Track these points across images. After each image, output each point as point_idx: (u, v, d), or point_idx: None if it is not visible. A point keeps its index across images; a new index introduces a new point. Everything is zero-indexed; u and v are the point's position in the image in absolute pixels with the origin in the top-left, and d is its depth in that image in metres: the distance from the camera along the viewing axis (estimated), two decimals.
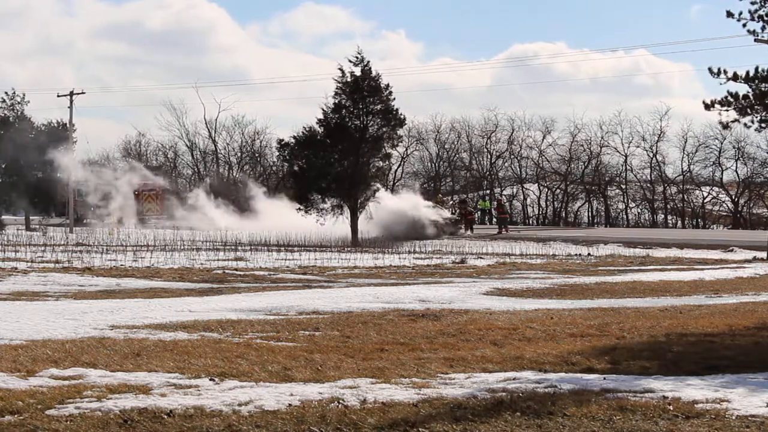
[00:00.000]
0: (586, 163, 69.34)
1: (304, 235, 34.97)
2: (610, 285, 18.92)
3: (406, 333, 11.31)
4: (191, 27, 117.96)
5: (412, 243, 35.43)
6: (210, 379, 8.07)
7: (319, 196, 38.23)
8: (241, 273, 21.28)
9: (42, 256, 25.18)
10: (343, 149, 37.87)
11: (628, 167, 68.53)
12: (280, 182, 66.91)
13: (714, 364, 9.00)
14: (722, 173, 65.60)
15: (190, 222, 49.24)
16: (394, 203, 42.12)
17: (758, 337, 11.02)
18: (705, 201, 66.03)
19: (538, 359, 9.32)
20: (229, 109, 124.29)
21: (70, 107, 53.08)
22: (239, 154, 77.32)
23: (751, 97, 17.47)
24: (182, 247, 31.02)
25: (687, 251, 32.31)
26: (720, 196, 65.76)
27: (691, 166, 66.68)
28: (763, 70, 17.23)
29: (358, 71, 37.81)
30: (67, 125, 54.43)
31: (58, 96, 53.30)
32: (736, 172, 64.93)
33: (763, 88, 17.31)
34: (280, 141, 40.36)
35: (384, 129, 38.20)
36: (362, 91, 37.67)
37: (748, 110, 17.59)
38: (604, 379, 8.17)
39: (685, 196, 66.87)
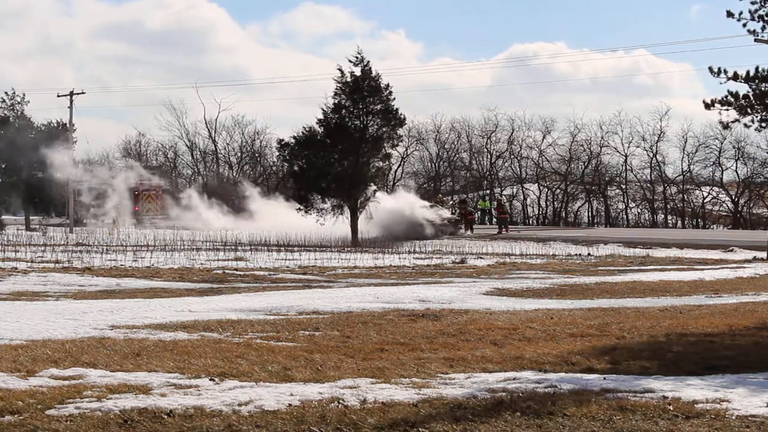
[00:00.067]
0: (586, 163, 69.38)
1: (304, 235, 34.97)
2: (610, 285, 18.92)
3: (406, 333, 11.31)
4: (191, 27, 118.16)
5: (412, 243, 35.43)
6: (210, 379, 8.07)
7: (319, 196, 38.22)
8: (241, 273, 21.28)
9: (42, 256, 25.19)
10: (343, 149, 37.87)
11: (628, 167, 68.65)
12: (280, 182, 66.92)
13: (714, 364, 9.00)
14: (722, 173, 65.73)
15: (185, 222, 49.23)
16: (391, 203, 42.10)
17: (758, 337, 11.02)
18: (705, 201, 66.03)
19: (538, 359, 9.32)
20: (229, 109, 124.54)
21: (70, 107, 53.10)
22: (239, 154, 77.38)
23: (751, 97, 17.47)
24: (182, 247, 31.03)
25: (687, 251, 32.31)
26: (720, 196, 65.77)
27: (691, 166, 66.80)
28: (763, 70, 17.24)
29: (358, 71, 37.82)
30: (67, 125, 54.43)
31: (58, 96, 53.33)
32: (736, 172, 65.06)
33: (763, 88, 17.32)
34: (280, 141, 40.38)
35: (384, 129, 38.20)
36: (362, 91, 37.66)
37: (748, 110, 17.59)
38: (604, 379, 8.17)
39: (685, 196, 66.87)
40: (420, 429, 6.40)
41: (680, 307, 14.57)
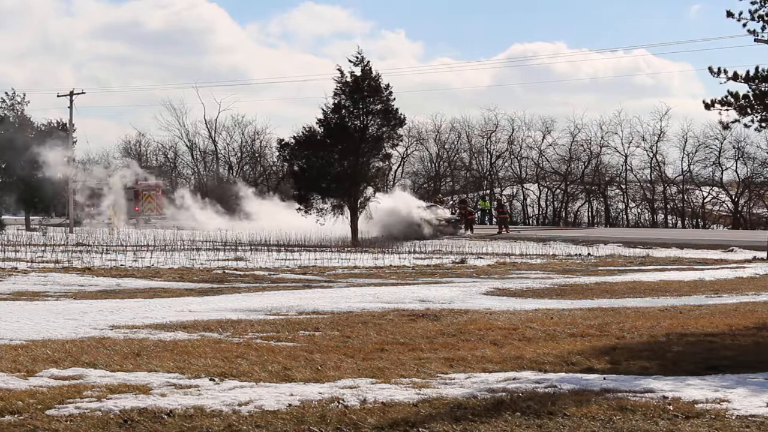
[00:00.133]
0: (586, 163, 69.37)
1: (303, 235, 34.97)
2: (610, 285, 18.92)
3: (406, 333, 11.30)
4: (191, 27, 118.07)
5: (411, 243, 35.43)
6: (210, 379, 8.07)
7: (319, 196, 38.21)
8: (241, 273, 21.28)
9: (42, 256, 25.18)
10: (343, 149, 37.86)
11: (628, 167, 68.64)
12: (280, 182, 66.91)
13: (714, 364, 9.00)
14: (722, 173, 65.71)
15: (180, 222, 49.20)
16: (388, 203, 42.03)
17: (758, 337, 11.02)
18: (705, 201, 66.03)
19: (538, 359, 9.31)
20: (229, 109, 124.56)
21: (70, 107, 53.06)
22: (239, 154, 77.37)
23: (751, 97, 17.46)
24: (182, 247, 31.02)
25: (687, 251, 32.31)
26: (720, 196, 65.77)
27: (691, 166, 66.78)
28: (763, 70, 17.24)
29: (358, 71, 37.80)
30: (67, 125, 54.40)
31: (58, 96, 53.25)
32: (736, 172, 65.05)
33: (763, 88, 17.31)
34: (280, 141, 40.37)
35: (384, 129, 38.18)
36: (362, 91, 37.65)
37: (748, 110, 17.58)
38: (604, 379, 8.17)
39: (685, 196, 66.87)
40: (420, 429, 6.40)
41: (680, 307, 14.57)
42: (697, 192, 66.69)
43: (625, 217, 68.59)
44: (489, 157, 73.09)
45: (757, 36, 17.18)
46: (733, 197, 64.59)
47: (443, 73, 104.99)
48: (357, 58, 37.86)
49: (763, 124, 17.94)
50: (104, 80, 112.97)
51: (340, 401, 7.14)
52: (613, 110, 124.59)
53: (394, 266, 24.34)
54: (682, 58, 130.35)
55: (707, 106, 18.08)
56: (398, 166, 71.26)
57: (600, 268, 24.62)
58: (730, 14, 16.77)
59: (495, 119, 72.09)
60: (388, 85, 37.97)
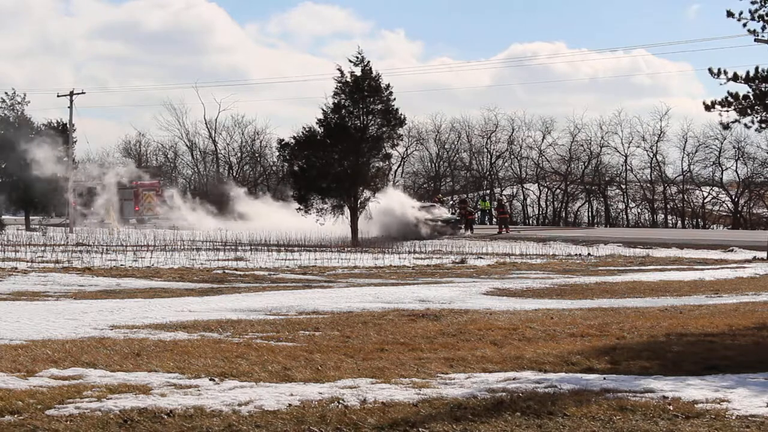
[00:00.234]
0: (586, 163, 69.39)
1: (303, 235, 34.97)
2: (610, 285, 18.92)
3: (406, 333, 11.31)
4: (190, 27, 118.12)
5: (411, 243, 35.43)
6: (210, 379, 8.07)
7: (319, 196, 38.20)
8: (241, 273, 21.28)
9: (42, 256, 25.18)
10: (343, 149, 37.85)
11: (628, 167, 68.66)
12: (280, 182, 66.91)
13: (714, 364, 9.00)
14: (722, 173, 65.73)
15: (171, 222, 49.16)
16: (383, 202, 41.96)
17: (758, 337, 11.02)
18: (705, 201, 66.03)
19: (538, 359, 9.31)
20: (228, 109, 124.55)
21: (70, 107, 53.02)
22: (239, 155, 77.38)
23: (752, 98, 17.46)
24: (182, 247, 31.02)
25: (687, 251, 32.31)
26: (720, 196, 65.77)
27: (691, 166, 66.79)
28: (763, 70, 17.24)
29: (358, 71, 37.78)
30: (67, 125, 54.38)
31: (58, 96, 53.21)
32: (736, 172, 65.07)
33: (763, 88, 17.31)
34: (280, 141, 40.35)
35: (384, 129, 38.16)
36: (362, 91, 37.63)
37: (749, 110, 17.58)
38: (604, 379, 8.17)
39: (685, 196, 66.88)
40: (420, 429, 6.40)
41: (680, 307, 14.57)
42: (697, 192, 66.70)
43: (625, 217, 68.60)
44: (489, 157, 73.14)
45: (757, 36, 17.21)
46: (733, 197, 64.60)
47: (443, 73, 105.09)
48: (357, 58, 37.87)
49: (763, 125, 17.94)
50: (104, 80, 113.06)
51: (340, 401, 7.14)
52: (613, 110, 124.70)
53: (394, 266, 24.34)
54: (681, 58, 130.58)
55: (707, 108, 18.09)
56: (398, 166, 71.29)
57: (600, 268, 24.62)
58: (730, 14, 16.78)
59: (495, 119, 72.22)
60: (388, 85, 37.99)
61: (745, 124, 17.90)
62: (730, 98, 17.55)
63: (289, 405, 7.01)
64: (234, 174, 74.03)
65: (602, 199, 69.25)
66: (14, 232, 39.71)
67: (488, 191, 70.29)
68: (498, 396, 7.38)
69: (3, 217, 50.96)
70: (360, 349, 9.93)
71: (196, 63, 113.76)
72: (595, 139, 68.87)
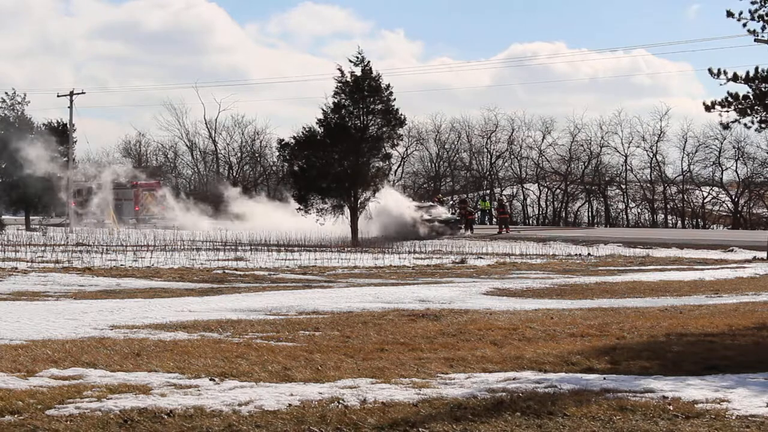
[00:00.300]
0: (586, 163, 69.40)
1: (303, 235, 34.97)
2: (610, 285, 18.91)
3: (406, 333, 11.31)
4: (190, 27, 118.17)
5: (412, 243, 35.43)
6: (210, 379, 8.07)
7: (319, 196, 38.20)
8: (241, 273, 21.28)
9: (42, 256, 25.18)
10: (343, 149, 37.83)
11: (628, 167, 68.68)
12: (280, 182, 66.90)
13: (714, 364, 9.00)
14: (722, 173, 65.75)
15: (165, 222, 49.12)
16: (383, 203, 41.90)
17: (758, 337, 11.02)
18: (705, 201, 66.04)
19: (538, 359, 9.31)
20: (228, 109, 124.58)
21: (70, 107, 53.10)
22: (239, 154, 77.39)
23: (751, 98, 17.46)
24: (182, 247, 31.01)
25: (687, 251, 32.31)
26: (720, 196, 65.78)
27: (691, 166, 66.81)
28: (763, 70, 17.24)
29: (358, 71, 37.77)
30: (67, 125, 54.39)
31: (58, 96, 53.35)
32: (736, 172, 65.08)
33: (763, 89, 17.30)
34: (280, 141, 40.34)
35: (384, 129, 38.15)
36: (362, 91, 37.62)
37: (748, 111, 17.58)
38: (604, 379, 8.17)
39: (685, 196, 66.88)
40: (420, 429, 6.40)
41: (680, 307, 14.57)
42: (697, 192, 66.71)
43: (625, 217, 68.60)
44: (489, 157, 73.15)
45: (757, 36, 17.18)
46: (733, 197, 64.61)
47: (443, 73, 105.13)
48: (357, 58, 37.85)
49: (763, 125, 17.94)
50: (104, 80, 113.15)
51: (340, 401, 7.14)
52: (613, 110, 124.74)
53: (394, 266, 24.34)
54: (681, 58, 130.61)
55: (707, 108, 18.08)
56: (398, 166, 71.29)
57: (600, 268, 24.62)
58: (730, 14, 16.77)
59: (495, 119, 72.23)
60: (388, 85, 37.98)
61: (745, 124, 17.89)
62: (730, 98, 17.54)
63: (289, 405, 7.01)
64: (234, 174, 74.04)
65: (602, 199, 69.26)
66: (14, 232, 39.70)
67: (488, 191, 70.30)
68: (498, 396, 7.38)
69: (3, 217, 50.94)
70: (360, 349, 9.93)
71: (196, 63, 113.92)
72: (595, 139, 69.00)
